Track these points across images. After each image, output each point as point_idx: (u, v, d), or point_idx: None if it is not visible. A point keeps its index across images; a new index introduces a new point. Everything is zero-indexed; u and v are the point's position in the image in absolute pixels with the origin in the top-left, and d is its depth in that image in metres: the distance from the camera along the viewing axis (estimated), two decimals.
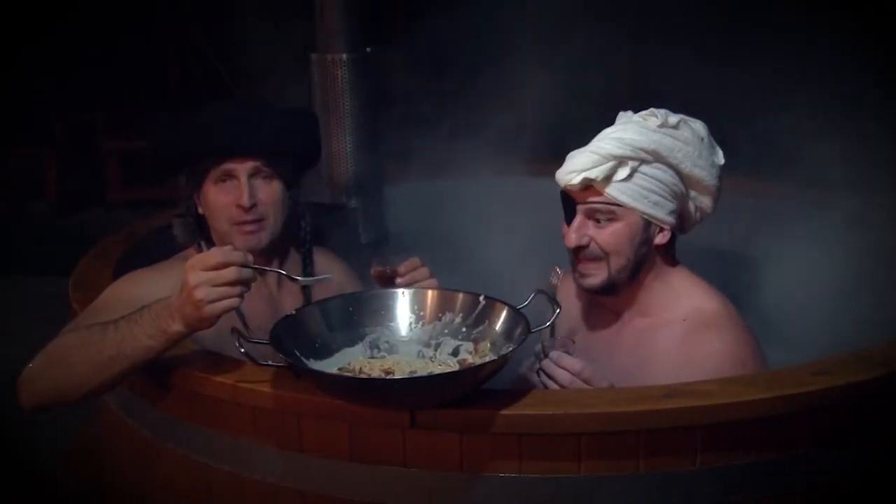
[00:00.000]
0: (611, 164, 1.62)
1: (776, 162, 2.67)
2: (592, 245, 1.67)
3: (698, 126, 1.70)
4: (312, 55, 2.69)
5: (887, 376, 1.53)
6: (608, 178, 1.62)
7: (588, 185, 1.64)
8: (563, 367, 1.54)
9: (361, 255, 2.50)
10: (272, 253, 1.84)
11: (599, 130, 1.70)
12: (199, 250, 1.82)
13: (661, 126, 1.65)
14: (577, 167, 1.64)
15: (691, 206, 1.71)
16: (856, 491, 1.57)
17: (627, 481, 1.44)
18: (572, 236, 1.67)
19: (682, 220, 1.73)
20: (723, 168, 1.72)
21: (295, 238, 1.93)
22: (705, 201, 1.71)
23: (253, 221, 1.76)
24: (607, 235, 1.66)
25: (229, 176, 1.75)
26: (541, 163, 3.33)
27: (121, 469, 1.93)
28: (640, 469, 1.44)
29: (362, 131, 2.68)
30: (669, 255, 1.75)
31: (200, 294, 1.41)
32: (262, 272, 1.72)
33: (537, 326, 1.62)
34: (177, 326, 1.46)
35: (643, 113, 1.69)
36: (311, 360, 1.52)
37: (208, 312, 1.42)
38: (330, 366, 1.54)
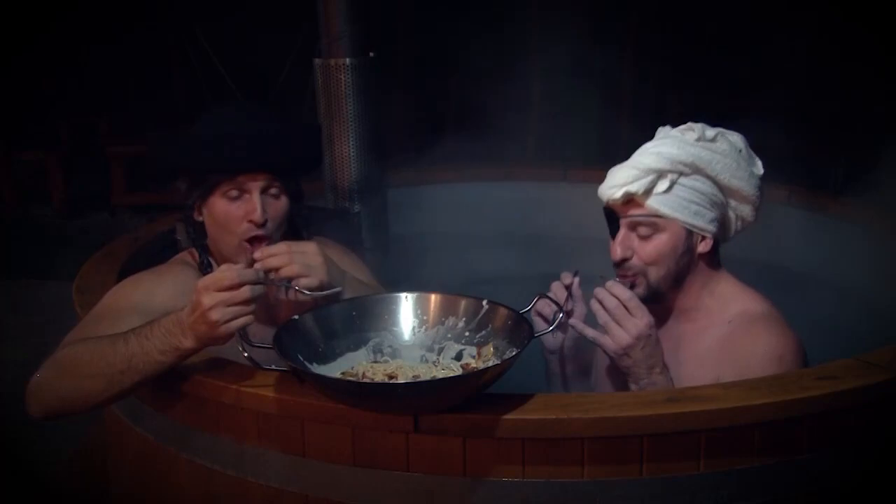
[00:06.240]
0: (651, 177, 1.65)
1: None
2: (634, 259, 1.70)
3: (736, 138, 1.73)
4: (316, 60, 2.69)
5: (891, 381, 1.52)
6: (648, 192, 1.66)
7: (630, 199, 1.67)
8: (614, 294, 1.62)
9: (365, 260, 2.50)
10: None
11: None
12: (203, 258, 1.82)
13: (699, 140, 1.68)
14: (618, 182, 1.67)
15: (732, 215, 1.74)
16: (860, 494, 1.57)
17: (631, 486, 1.44)
18: (617, 249, 1.71)
19: (724, 229, 1.75)
20: (762, 178, 1.74)
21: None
22: (746, 211, 1.74)
23: (260, 238, 1.73)
24: (650, 249, 1.69)
25: (241, 190, 1.72)
26: (545, 167, 3.35)
27: (124, 473, 1.93)
28: (643, 473, 1.44)
29: (366, 136, 2.68)
30: (714, 261, 1.77)
31: (216, 315, 1.42)
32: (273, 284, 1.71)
33: (540, 330, 1.62)
34: (189, 343, 1.47)
35: (681, 127, 1.73)
36: (315, 364, 1.53)
37: (223, 332, 1.43)
38: (333, 370, 1.54)
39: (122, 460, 1.93)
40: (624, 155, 1.73)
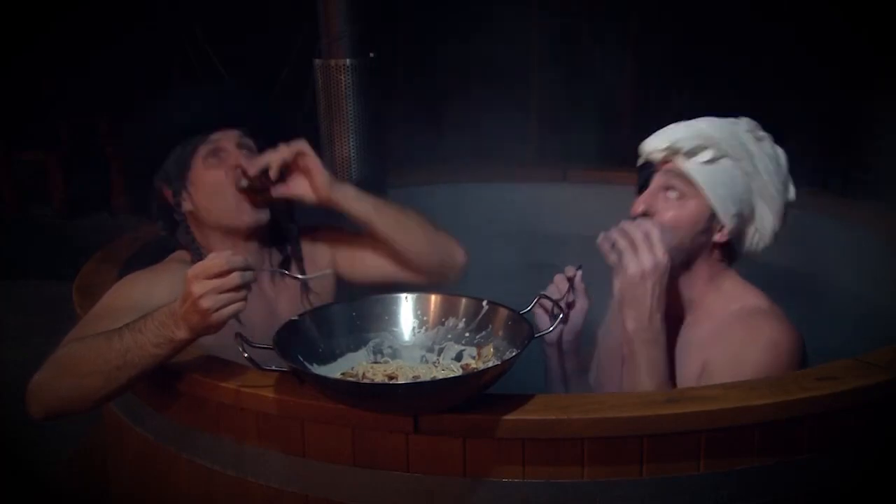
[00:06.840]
0: (699, 142, 1.64)
1: None
2: (655, 219, 1.67)
3: (781, 152, 1.73)
4: (316, 60, 2.69)
5: (891, 381, 1.52)
6: (691, 154, 1.65)
7: (669, 160, 1.67)
8: (641, 229, 1.60)
9: None
10: (266, 249, 1.86)
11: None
12: (196, 254, 1.82)
13: (749, 132, 1.69)
14: (668, 135, 1.67)
15: (751, 228, 1.72)
16: (860, 494, 1.57)
17: (631, 486, 1.44)
18: (640, 204, 1.69)
19: (740, 236, 1.73)
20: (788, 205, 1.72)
21: (284, 231, 1.95)
22: (766, 226, 1.72)
23: (256, 190, 1.81)
24: (672, 214, 1.66)
25: (218, 150, 1.82)
26: (545, 167, 3.34)
27: (124, 473, 1.93)
28: (643, 474, 1.44)
29: (366, 136, 2.68)
30: (725, 257, 1.75)
31: (207, 303, 1.41)
32: (263, 272, 1.73)
33: (541, 331, 1.62)
34: (183, 334, 1.46)
35: (733, 119, 1.72)
36: (315, 365, 1.53)
37: (216, 320, 1.43)
38: (333, 371, 1.54)
39: (122, 460, 1.93)
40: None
